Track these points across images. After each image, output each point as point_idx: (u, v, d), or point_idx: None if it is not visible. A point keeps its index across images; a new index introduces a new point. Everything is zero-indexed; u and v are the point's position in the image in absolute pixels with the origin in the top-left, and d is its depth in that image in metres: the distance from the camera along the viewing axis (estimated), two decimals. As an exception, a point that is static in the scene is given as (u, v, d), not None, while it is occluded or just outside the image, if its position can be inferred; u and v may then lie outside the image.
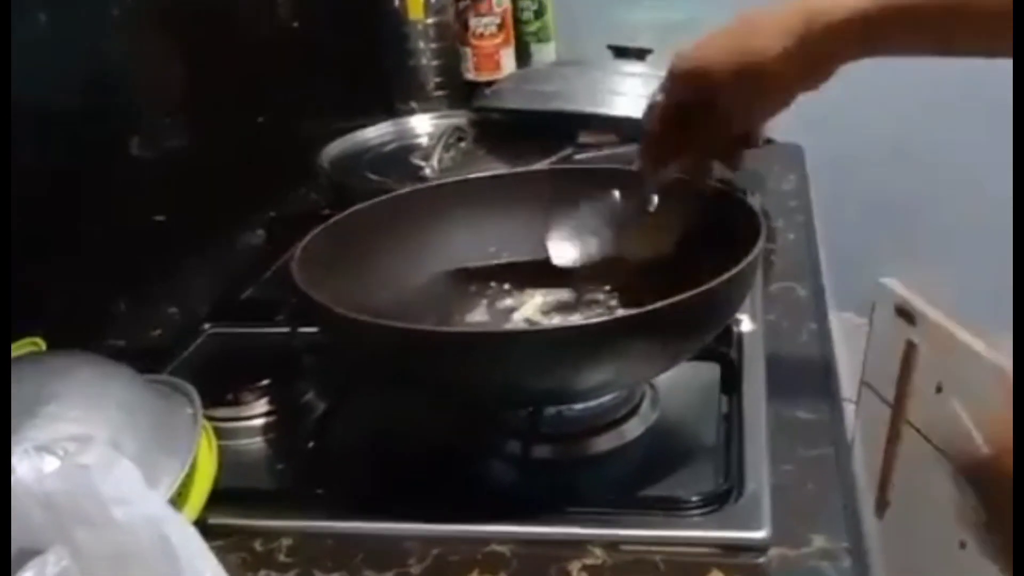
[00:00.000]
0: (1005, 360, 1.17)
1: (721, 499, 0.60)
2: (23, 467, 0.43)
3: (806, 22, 0.58)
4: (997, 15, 0.54)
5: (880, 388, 1.36)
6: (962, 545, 1.22)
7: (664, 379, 0.72)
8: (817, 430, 0.68)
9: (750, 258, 0.61)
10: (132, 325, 0.88)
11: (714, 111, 0.64)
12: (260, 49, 1.17)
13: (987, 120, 0.96)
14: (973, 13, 0.55)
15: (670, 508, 0.60)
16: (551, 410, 0.67)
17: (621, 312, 0.73)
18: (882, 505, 1.38)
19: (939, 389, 1.25)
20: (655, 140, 0.68)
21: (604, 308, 0.76)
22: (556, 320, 0.76)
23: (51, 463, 0.43)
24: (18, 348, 0.70)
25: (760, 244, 0.63)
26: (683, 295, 0.57)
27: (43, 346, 0.70)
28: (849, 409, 1.44)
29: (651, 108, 0.68)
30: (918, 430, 1.29)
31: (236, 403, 0.72)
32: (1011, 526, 0.49)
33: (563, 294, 0.79)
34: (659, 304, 0.56)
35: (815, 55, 0.60)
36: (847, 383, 1.43)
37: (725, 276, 0.60)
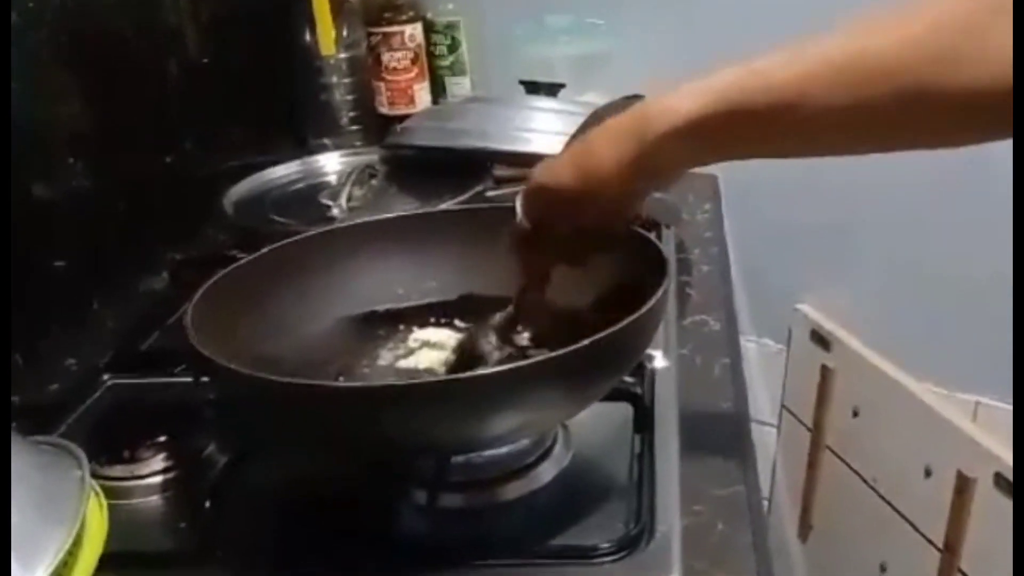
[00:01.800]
0: (916, 383, 1.19)
1: (631, 544, 0.60)
2: None
3: (638, 137, 0.59)
4: (829, 110, 0.53)
5: (799, 412, 1.37)
6: (882, 568, 1.23)
7: (578, 419, 0.71)
8: (728, 468, 0.68)
9: (653, 300, 0.61)
10: (28, 380, 0.84)
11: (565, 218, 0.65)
12: (169, 87, 1.14)
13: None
14: (804, 111, 0.53)
15: (581, 556, 0.59)
16: (459, 457, 0.65)
17: (530, 358, 0.72)
18: (805, 528, 1.38)
19: (855, 413, 1.26)
20: (525, 256, 0.70)
21: (515, 351, 0.75)
22: (464, 366, 0.74)
23: (-88, 546, 0.40)
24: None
25: (664, 286, 0.63)
26: (586, 340, 0.56)
27: (-75, 408, 0.66)
28: (772, 434, 1.45)
29: (512, 229, 0.69)
30: (837, 454, 1.30)
31: (132, 460, 0.69)
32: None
33: (473, 336, 0.78)
34: (562, 351, 0.56)
35: (652, 167, 0.60)
36: (768, 408, 1.44)
37: (631, 318, 0.59)
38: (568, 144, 0.67)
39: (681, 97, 0.57)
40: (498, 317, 0.74)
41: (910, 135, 0.54)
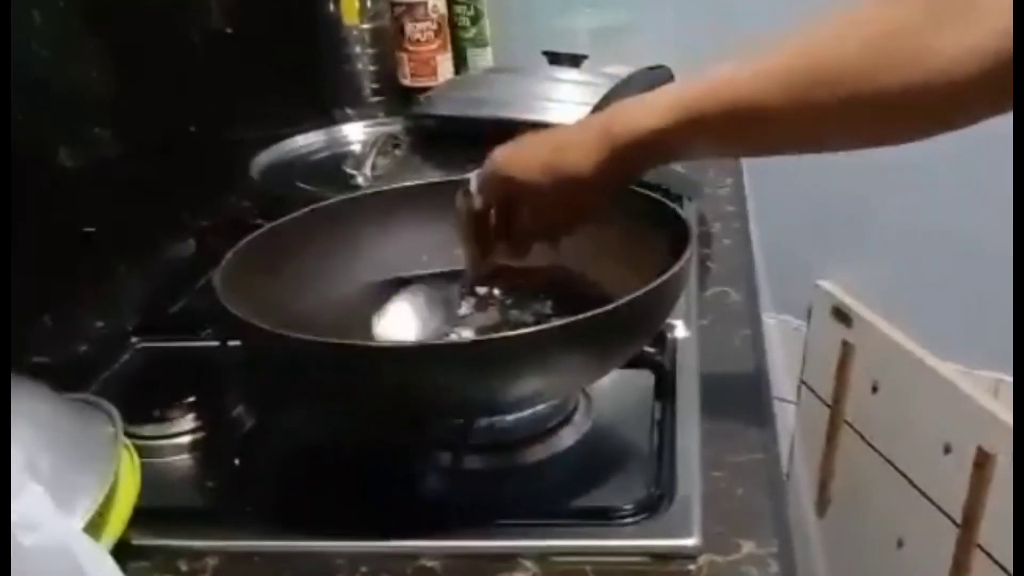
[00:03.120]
0: (937, 360, 1.19)
1: (652, 507, 0.60)
2: (-74, 494, 0.41)
3: (610, 142, 0.61)
4: (785, 115, 0.56)
5: (818, 388, 1.38)
6: (899, 544, 1.24)
7: (598, 386, 0.72)
8: (748, 436, 0.69)
9: (676, 268, 0.62)
10: (58, 340, 0.85)
11: (528, 209, 0.67)
12: (194, 56, 1.15)
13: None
14: (761, 118, 0.57)
15: (601, 517, 0.60)
16: (483, 420, 0.66)
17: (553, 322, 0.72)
18: (823, 503, 1.39)
19: (875, 389, 1.26)
20: (470, 233, 0.71)
21: (537, 317, 0.76)
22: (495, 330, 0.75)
23: (-46, 490, 0.42)
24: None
25: (687, 254, 0.63)
26: (610, 305, 0.57)
27: (-41, 364, 0.67)
28: (789, 409, 1.45)
29: (463, 203, 0.70)
30: (855, 429, 1.30)
31: (162, 419, 0.70)
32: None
33: (501, 303, 0.79)
34: (587, 314, 0.56)
35: (625, 169, 0.63)
36: (787, 384, 1.45)
37: (652, 285, 0.60)
38: (530, 139, 0.67)
39: (648, 109, 0.60)
40: (519, 280, 0.75)
41: (863, 134, 0.58)
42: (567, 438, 0.68)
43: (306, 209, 0.77)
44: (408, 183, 0.84)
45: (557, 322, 0.59)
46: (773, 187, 1.29)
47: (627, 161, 0.61)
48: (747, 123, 0.58)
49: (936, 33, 0.51)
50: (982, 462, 1.09)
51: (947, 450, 1.15)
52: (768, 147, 0.63)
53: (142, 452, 0.64)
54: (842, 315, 1.32)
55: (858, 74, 0.53)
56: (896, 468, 1.23)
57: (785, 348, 1.43)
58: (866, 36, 0.54)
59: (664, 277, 0.60)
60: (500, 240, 0.70)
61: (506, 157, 0.67)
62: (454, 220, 0.71)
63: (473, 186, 0.69)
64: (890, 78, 0.52)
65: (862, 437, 1.29)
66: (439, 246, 0.81)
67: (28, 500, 0.41)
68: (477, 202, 0.69)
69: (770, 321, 1.40)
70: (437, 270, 0.80)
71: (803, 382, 1.42)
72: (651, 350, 0.75)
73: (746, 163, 1.28)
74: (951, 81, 0.51)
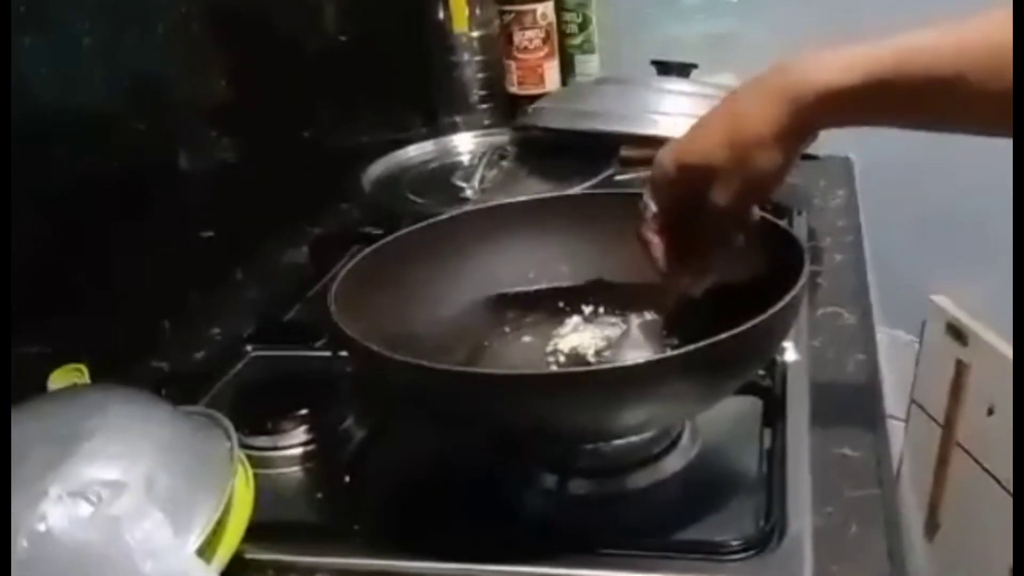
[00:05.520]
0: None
1: (761, 543, 0.59)
2: (57, 513, 0.43)
3: (790, 99, 0.58)
4: (991, 95, 0.54)
5: (930, 407, 1.33)
6: (1012, 572, 1.19)
7: (706, 411, 0.71)
8: (863, 468, 0.67)
9: (793, 293, 0.60)
10: (176, 347, 0.88)
11: (706, 204, 0.63)
12: (306, 63, 1.18)
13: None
14: (964, 92, 0.54)
15: (707, 552, 0.59)
16: (588, 444, 0.66)
17: (664, 351, 0.72)
18: (932, 527, 1.35)
19: (991, 411, 1.22)
20: (661, 249, 0.67)
21: (650, 338, 0.75)
22: (600, 350, 0.75)
23: (84, 509, 0.43)
24: (63, 373, 0.71)
25: (803, 279, 0.62)
26: (725, 334, 0.56)
27: (86, 372, 0.70)
28: (899, 428, 1.41)
29: (645, 220, 0.66)
30: (968, 452, 1.26)
31: (275, 431, 0.72)
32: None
33: (606, 321, 0.79)
34: (700, 344, 0.55)
35: (804, 127, 0.59)
36: (897, 401, 1.40)
37: (768, 313, 0.58)
38: (699, 122, 0.64)
39: (828, 66, 0.57)
40: (630, 299, 0.74)
41: None
42: (673, 464, 0.67)
43: (414, 227, 0.78)
44: (513, 199, 0.84)
45: (670, 352, 0.58)
46: (887, 198, 1.25)
47: (806, 119, 0.58)
48: (940, 94, 0.55)
49: None
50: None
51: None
52: (953, 122, 0.59)
53: (254, 463, 0.65)
54: (957, 332, 1.27)
55: None
56: (1010, 494, 1.19)
57: (896, 364, 1.38)
58: None
59: (781, 304, 0.58)
60: (691, 244, 0.66)
61: (677, 150, 0.63)
62: (637, 237, 0.67)
63: (646, 198, 0.66)
64: None
65: (976, 460, 1.25)
66: (545, 262, 0.81)
67: (147, 526, 0.43)
68: (653, 211, 0.66)
69: (881, 336, 1.36)
70: (544, 286, 0.81)
71: (913, 400, 1.38)
72: (760, 375, 0.74)
73: (859, 173, 1.25)
74: None
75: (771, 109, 0.59)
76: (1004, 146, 0.57)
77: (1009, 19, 0.53)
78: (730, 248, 0.66)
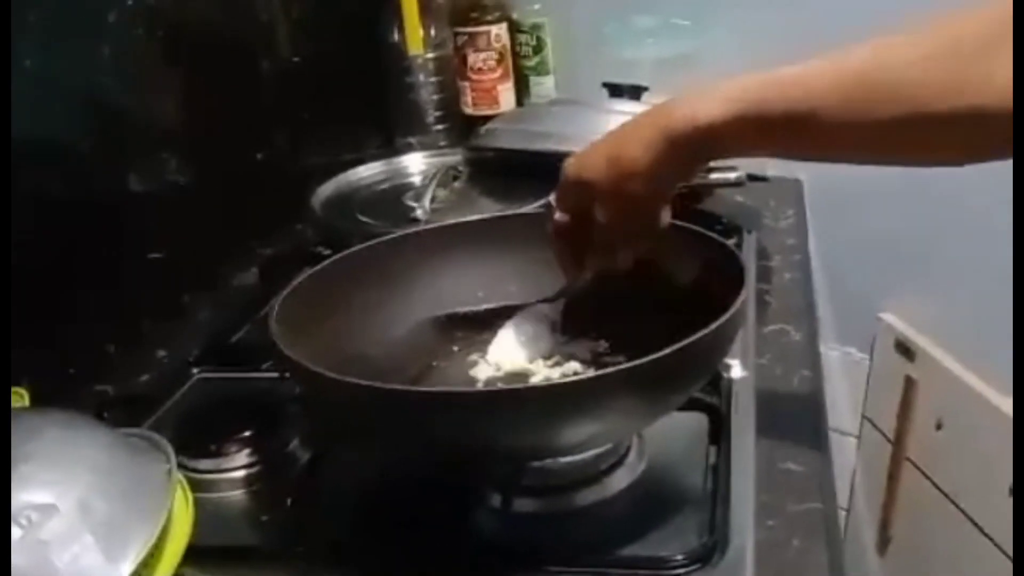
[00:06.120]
0: (1003, 398, 1.15)
1: (704, 556, 0.59)
2: (-15, 537, 0.42)
3: (667, 133, 0.60)
4: (841, 125, 0.56)
5: (881, 423, 1.35)
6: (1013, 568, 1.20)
7: (652, 429, 0.71)
8: (806, 482, 0.67)
9: (734, 309, 0.61)
10: (121, 370, 0.87)
11: (600, 209, 0.66)
12: (260, 85, 1.17)
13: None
14: (817, 123, 0.56)
15: (652, 567, 0.59)
16: (534, 462, 0.66)
17: (603, 368, 0.72)
18: (884, 542, 1.36)
19: (939, 426, 1.23)
20: (562, 248, 0.71)
21: (591, 356, 0.75)
22: (541, 368, 0.75)
23: (14, 533, 0.43)
24: None
25: (743, 295, 0.62)
26: (665, 350, 0.56)
27: (26, 396, 0.69)
28: (852, 444, 1.42)
29: (549, 222, 0.70)
30: (918, 467, 1.27)
31: (219, 454, 0.71)
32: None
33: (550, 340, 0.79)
34: (640, 360, 0.56)
35: (681, 161, 0.62)
36: (849, 417, 1.42)
37: (709, 328, 0.59)
38: (599, 139, 0.67)
39: (707, 101, 0.59)
40: (574, 318, 0.75)
41: (916, 152, 0.58)
42: (619, 482, 0.68)
43: (360, 247, 0.78)
44: (462, 219, 0.85)
45: (611, 368, 0.58)
46: (836, 218, 1.27)
47: (683, 153, 0.61)
48: (807, 126, 0.57)
49: (996, 55, 0.50)
50: (1050, 507, 1.06)
51: (1012, 492, 1.12)
52: (826, 152, 0.62)
53: (197, 486, 0.65)
54: (905, 349, 1.29)
55: (923, 92, 0.53)
56: (959, 508, 1.20)
57: (848, 381, 1.40)
58: (928, 54, 0.53)
59: (721, 320, 0.59)
60: (587, 250, 0.70)
61: (574, 161, 0.67)
62: (548, 240, 0.72)
63: (553, 199, 0.70)
64: (959, 99, 0.52)
65: (925, 475, 1.26)
66: (494, 281, 0.81)
67: (76, 550, 0.42)
68: (557, 214, 0.69)
69: (832, 353, 1.38)
70: (493, 305, 0.81)
71: (865, 417, 1.39)
72: (705, 391, 0.74)
73: (808, 194, 1.26)
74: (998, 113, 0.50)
75: (650, 138, 0.61)
76: (949, 169, 0.58)
77: (886, 49, 0.55)
78: (614, 263, 0.69)
